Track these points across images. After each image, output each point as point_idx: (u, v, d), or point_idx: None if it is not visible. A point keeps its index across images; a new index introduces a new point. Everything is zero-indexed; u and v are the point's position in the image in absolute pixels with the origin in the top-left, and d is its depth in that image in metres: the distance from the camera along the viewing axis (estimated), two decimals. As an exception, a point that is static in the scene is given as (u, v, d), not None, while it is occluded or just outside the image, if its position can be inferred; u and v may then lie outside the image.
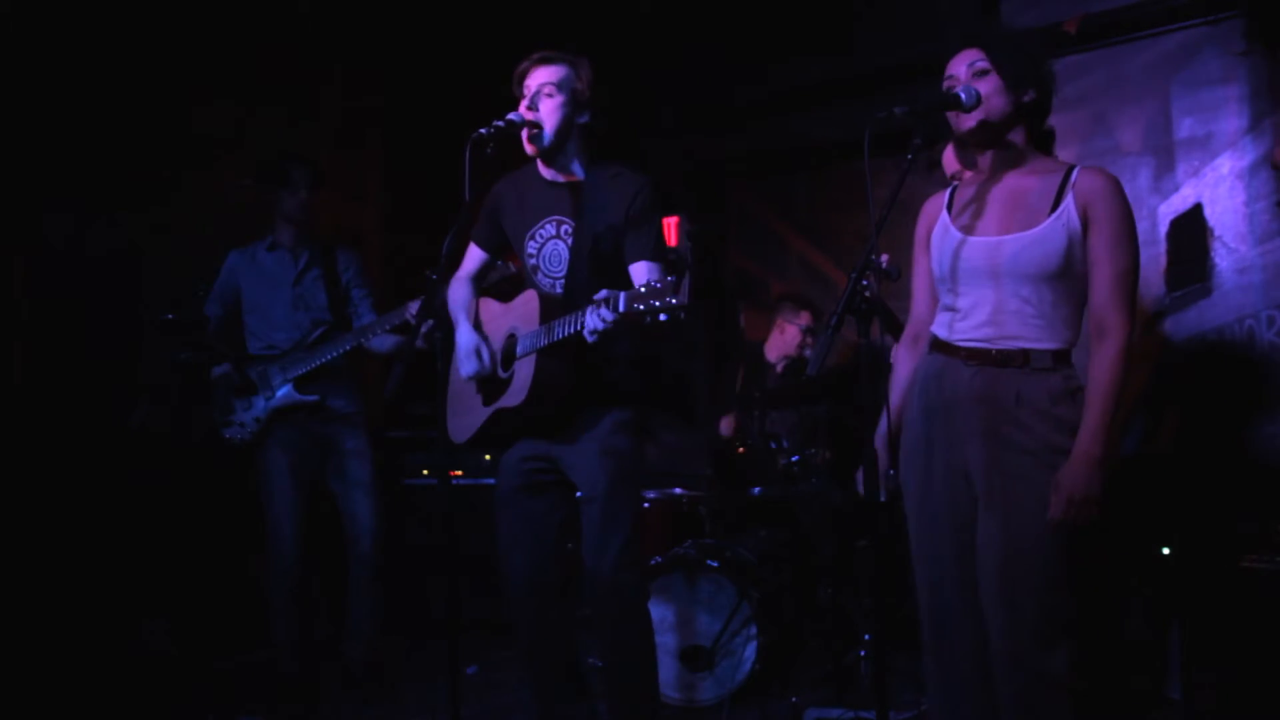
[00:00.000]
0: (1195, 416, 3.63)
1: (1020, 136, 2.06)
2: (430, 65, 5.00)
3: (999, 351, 2.02)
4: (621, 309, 2.07)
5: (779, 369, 4.35)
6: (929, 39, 2.24)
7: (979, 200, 2.09)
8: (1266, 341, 3.53)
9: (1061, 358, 2.00)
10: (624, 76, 2.59)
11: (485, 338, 2.61)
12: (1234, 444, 3.53)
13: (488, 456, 4.43)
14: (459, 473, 4.45)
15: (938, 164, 2.89)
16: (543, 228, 2.55)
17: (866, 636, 3.49)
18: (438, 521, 4.35)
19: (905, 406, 2.20)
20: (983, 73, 2.02)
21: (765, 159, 5.54)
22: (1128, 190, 2.03)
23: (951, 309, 2.10)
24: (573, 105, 2.48)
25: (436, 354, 2.30)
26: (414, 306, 3.14)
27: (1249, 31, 3.62)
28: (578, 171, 2.54)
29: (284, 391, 3.38)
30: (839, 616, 3.59)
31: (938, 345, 2.12)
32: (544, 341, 2.37)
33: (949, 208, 2.16)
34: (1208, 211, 3.72)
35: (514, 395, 2.46)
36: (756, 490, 3.78)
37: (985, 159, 2.12)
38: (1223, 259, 3.66)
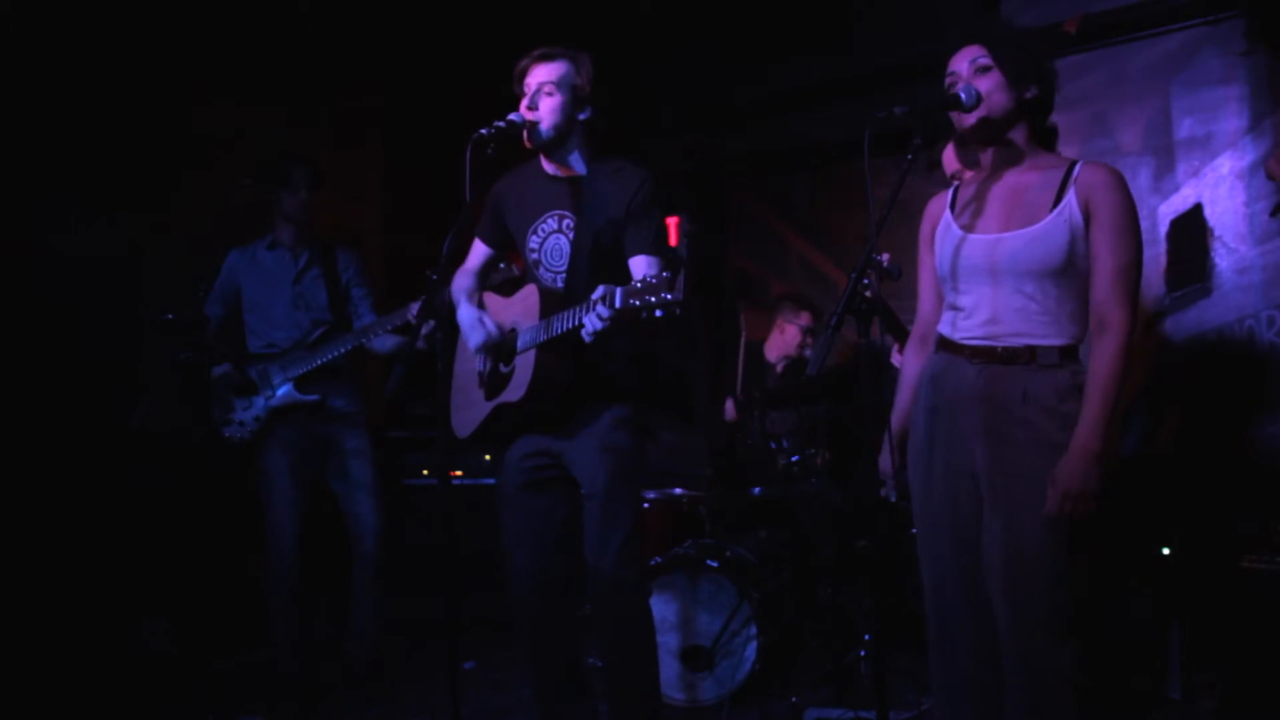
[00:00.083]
0: (1195, 416, 3.63)
1: (1022, 133, 2.06)
2: (430, 65, 5.00)
3: (1004, 349, 2.01)
4: (618, 305, 2.07)
5: (779, 369, 4.35)
6: (929, 39, 2.24)
7: (981, 198, 2.09)
8: (1266, 341, 3.53)
9: (1068, 354, 1.99)
10: (624, 76, 2.59)
11: None
12: (1234, 444, 3.53)
13: (488, 456, 4.43)
14: (459, 473, 4.45)
15: (938, 164, 2.89)
16: (545, 222, 2.56)
17: (866, 636, 3.48)
18: (438, 521, 4.35)
19: (913, 406, 2.20)
20: (984, 69, 2.01)
21: (765, 159, 5.54)
22: (1128, 190, 2.03)
23: (955, 308, 2.10)
24: (573, 103, 2.48)
25: (437, 354, 2.30)
26: (415, 307, 3.14)
27: (1250, 31, 3.62)
28: (580, 166, 2.54)
29: (284, 391, 3.38)
30: (839, 616, 3.59)
31: (943, 344, 2.12)
32: (543, 337, 2.38)
33: (952, 206, 2.16)
34: (1208, 211, 3.72)
35: (514, 390, 2.46)
36: (756, 490, 3.78)
37: (987, 156, 2.11)
38: (1223, 259, 3.66)
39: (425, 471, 4.50)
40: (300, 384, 3.39)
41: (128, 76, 3.88)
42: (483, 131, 2.34)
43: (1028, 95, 2.02)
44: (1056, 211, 1.97)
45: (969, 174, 2.24)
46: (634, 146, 5.17)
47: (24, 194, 3.64)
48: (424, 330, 2.41)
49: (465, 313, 2.59)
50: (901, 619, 3.59)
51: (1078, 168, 2.00)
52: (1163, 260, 3.81)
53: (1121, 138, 3.93)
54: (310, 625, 3.46)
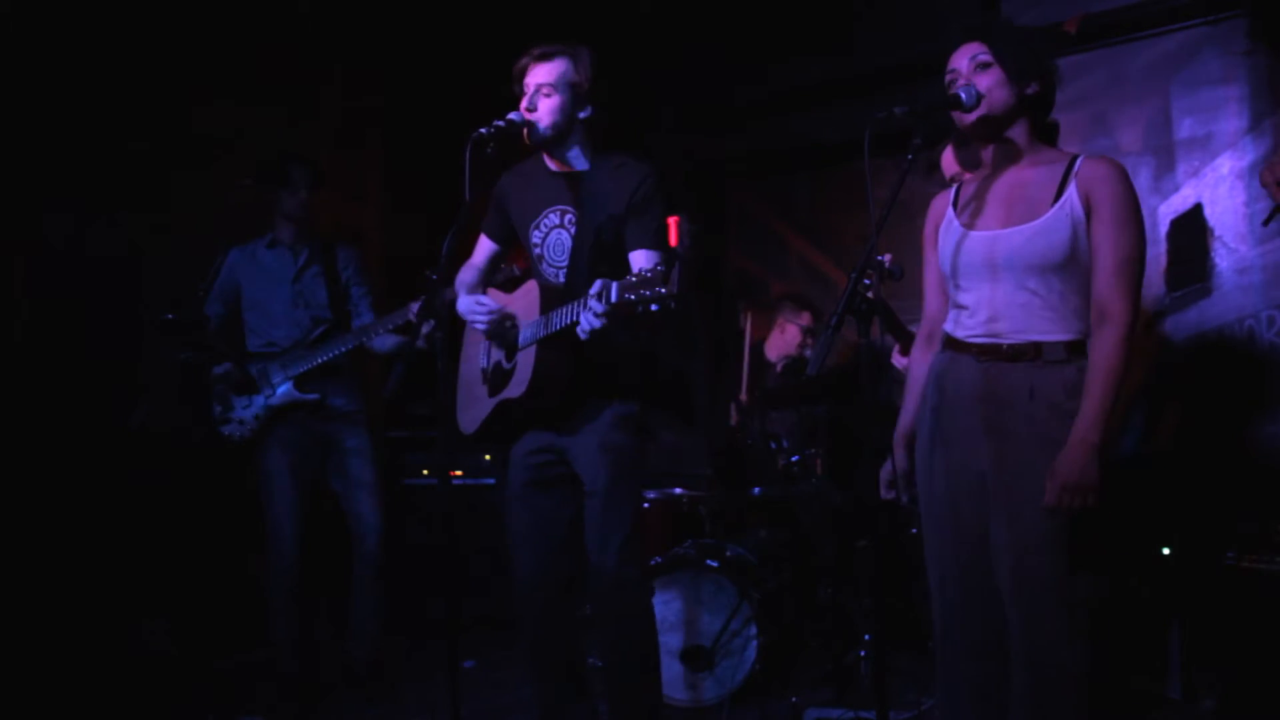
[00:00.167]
0: (1195, 416, 3.63)
1: (1023, 129, 2.05)
2: (430, 65, 5.00)
3: (1010, 346, 2.00)
4: (614, 299, 2.07)
5: (779, 368, 4.35)
6: (929, 39, 2.24)
7: (983, 195, 2.09)
8: (1266, 341, 3.53)
9: (1075, 349, 1.97)
10: (624, 76, 2.59)
11: None
12: (1234, 444, 3.53)
13: (488, 456, 4.43)
14: (459, 473, 4.45)
15: (936, 167, 2.89)
16: (547, 217, 2.56)
17: (866, 636, 3.48)
18: (438, 521, 4.35)
19: (920, 405, 2.19)
20: (985, 66, 2.00)
21: (765, 159, 5.54)
22: (1128, 190, 2.02)
23: (959, 306, 2.10)
24: (572, 101, 2.48)
25: (437, 354, 2.30)
26: (416, 307, 3.14)
27: (1252, 31, 3.62)
28: (582, 162, 2.54)
29: (284, 389, 3.38)
30: (839, 616, 3.59)
31: (949, 343, 2.12)
32: (543, 332, 2.38)
33: (954, 204, 2.16)
34: (1208, 211, 3.72)
35: (516, 386, 2.47)
36: (756, 490, 3.78)
37: (988, 153, 2.11)
38: (1223, 259, 3.66)
39: (425, 471, 4.50)
40: (300, 382, 3.39)
41: (128, 76, 3.88)
42: (482, 131, 2.34)
43: (1029, 92, 2.02)
44: (1058, 205, 1.96)
45: (968, 176, 2.23)
46: (634, 146, 5.18)
47: (24, 194, 3.64)
48: (424, 330, 2.41)
49: (465, 301, 2.58)
50: (901, 619, 3.59)
51: (1079, 162, 1.99)
52: (1163, 260, 3.81)
53: (1121, 138, 3.93)
54: (310, 625, 3.45)
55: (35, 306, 3.70)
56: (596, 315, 2.11)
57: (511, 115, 2.43)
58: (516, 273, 2.85)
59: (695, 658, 3.24)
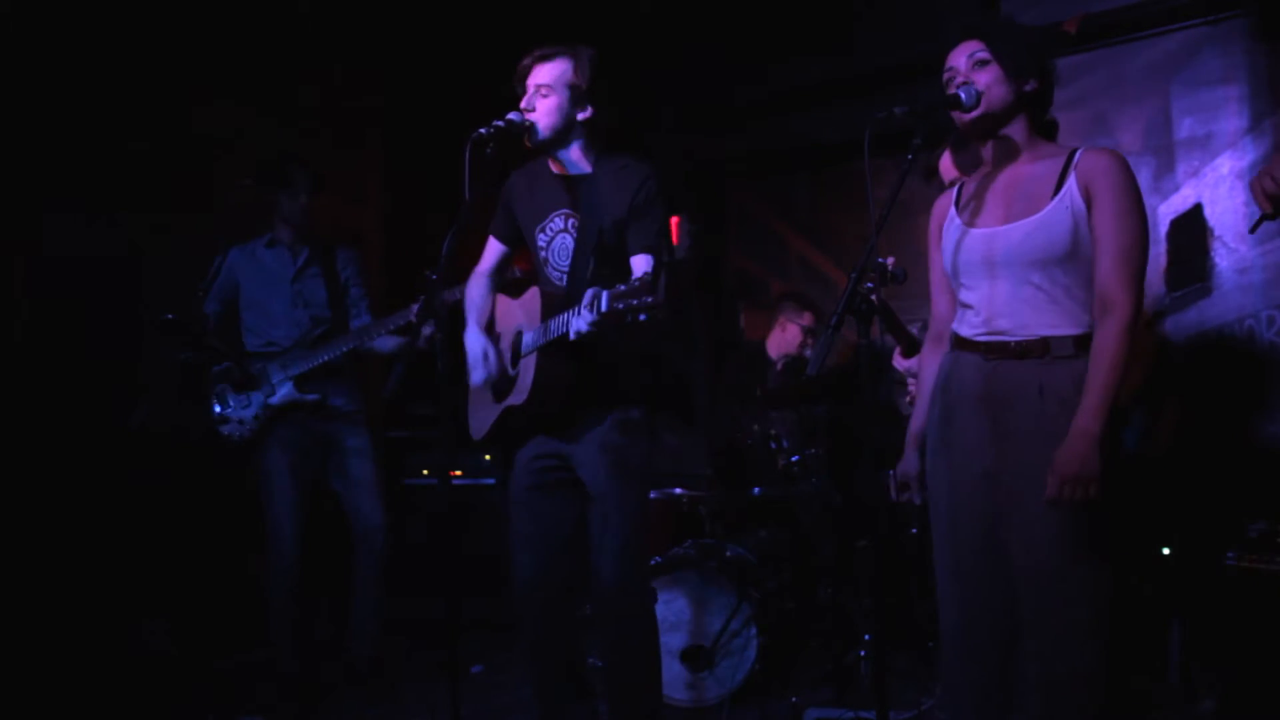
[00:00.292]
0: (1196, 416, 3.63)
1: (1022, 126, 2.04)
2: (430, 65, 5.00)
3: (1017, 343, 1.99)
4: (604, 308, 2.07)
5: (779, 367, 4.35)
6: (929, 39, 2.24)
7: (984, 192, 2.09)
8: (1266, 341, 3.53)
9: (1083, 343, 1.95)
10: (624, 76, 2.58)
11: (497, 336, 2.62)
12: (1234, 444, 3.53)
13: (488, 456, 4.43)
14: (459, 473, 4.45)
15: (935, 172, 2.88)
16: (551, 221, 2.56)
17: (866, 636, 3.48)
18: (438, 521, 4.35)
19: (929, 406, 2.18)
20: (983, 63, 2.00)
21: (765, 159, 5.54)
22: (1129, 190, 2.01)
23: (965, 305, 2.09)
24: (571, 102, 2.47)
25: (437, 355, 2.30)
26: (417, 308, 3.15)
27: (1253, 30, 3.61)
28: (584, 165, 2.54)
29: (285, 390, 3.38)
30: (839, 616, 3.59)
31: (957, 342, 2.11)
32: (542, 340, 2.38)
33: (957, 202, 2.16)
34: (1208, 211, 3.72)
35: (518, 394, 2.47)
36: (756, 490, 3.78)
37: (988, 150, 2.11)
38: (1223, 259, 3.66)
39: (425, 471, 4.50)
40: (300, 383, 3.39)
41: (128, 76, 3.88)
42: (482, 131, 2.34)
43: (1027, 88, 2.01)
44: (1058, 198, 1.95)
45: (968, 178, 2.23)
46: (634, 146, 5.18)
47: (24, 194, 3.64)
48: (425, 331, 2.41)
49: (472, 342, 2.58)
50: (901, 619, 3.59)
51: (1078, 154, 1.98)
52: (1163, 260, 3.81)
53: (1121, 138, 3.93)
54: (310, 625, 3.46)
55: (35, 306, 3.70)
56: (587, 324, 2.12)
57: (511, 115, 2.42)
58: (518, 274, 2.85)
59: (695, 658, 3.24)
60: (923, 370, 2.26)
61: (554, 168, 2.56)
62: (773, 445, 3.83)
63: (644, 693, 2.52)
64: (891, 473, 2.32)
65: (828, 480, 3.77)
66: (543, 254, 2.58)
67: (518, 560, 2.55)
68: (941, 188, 2.81)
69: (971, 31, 2.04)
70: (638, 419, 2.50)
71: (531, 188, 2.61)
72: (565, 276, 2.53)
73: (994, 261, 2.01)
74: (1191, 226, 3.75)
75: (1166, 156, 3.84)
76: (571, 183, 2.54)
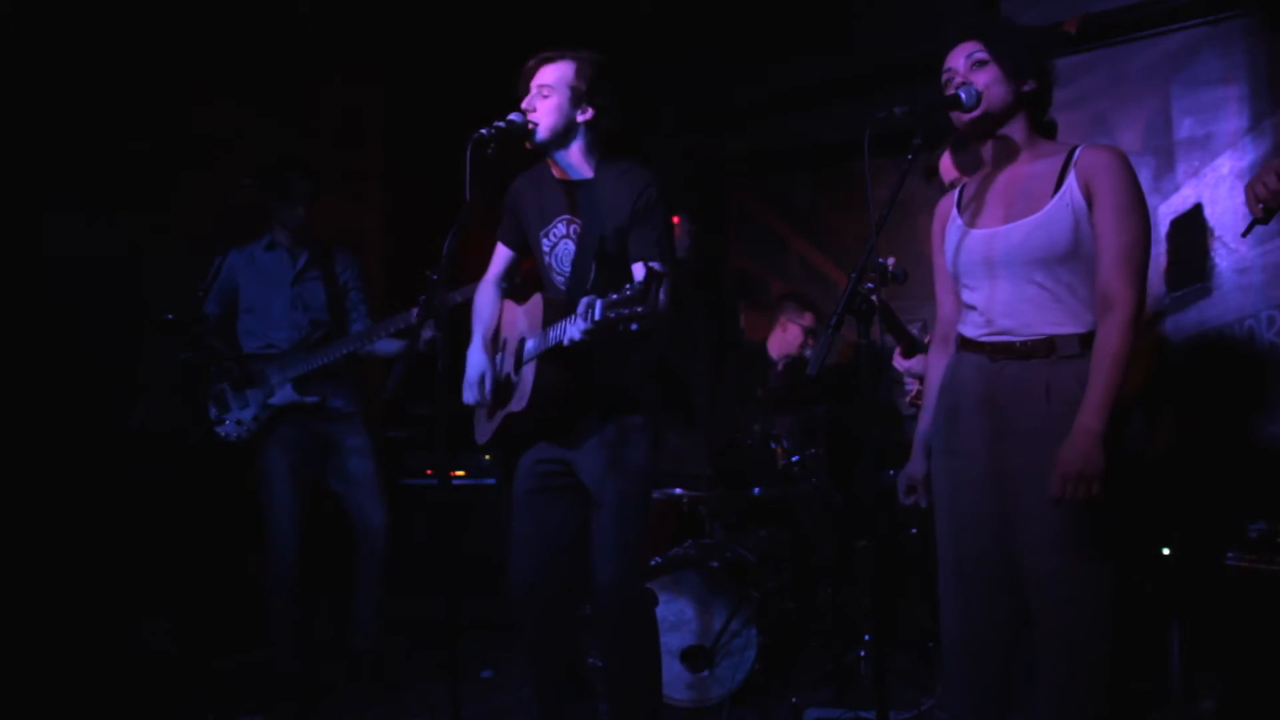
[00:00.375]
0: (1196, 416, 3.63)
1: (1021, 126, 2.04)
2: (430, 65, 5.00)
3: (1023, 343, 1.98)
4: (597, 317, 2.07)
5: (780, 367, 4.35)
6: (929, 39, 2.24)
7: (985, 193, 2.08)
8: (1266, 341, 3.53)
9: (1088, 342, 1.94)
10: (624, 76, 2.58)
11: (503, 342, 2.62)
12: (1234, 444, 3.53)
13: (488, 456, 4.43)
14: (459, 473, 4.45)
15: (935, 173, 2.88)
16: (555, 227, 2.55)
17: (866, 636, 3.48)
18: (438, 521, 4.35)
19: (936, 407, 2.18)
20: (981, 63, 2.00)
21: (765, 159, 5.54)
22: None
23: (969, 306, 2.09)
24: (571, 103, 2.47)
25: (437, 357, 2.30)
26: (417, 312, 3.15)
27: (1254, 30, 3.61)
28: (586, 169, 2.53)
29: (284, 391, 3.38)
30: (839, 616, 3.59)
31: (963, 344, 2.10)
32: (541, 347, 2.38)
33: (959, 204, 2.16)
34: (1208, 211, 3.72)
35: (518, 400, 2.47)
36: (756, 490, 3.78)
37: (987, 150, 2.10)
38: (1223, 259, 3.66)
39: (429, 471, 4.50)
40: (299, 385, 3.39)
41: (128, 76, 3.88)
42: (483, 131, 2.33)
43: (1026, 89, 2.01)
44: (1058, 197, 1.95)
45: (968, 179, 2.23)
46: (634, 147, 5.19)
47: (24, 194, 3.64)
48: (425, 335, 2.41)
49: (472, 360, 2.59)
50: (901, 619, 3.59)
51: (1078, 151, 1.97)
52: (1163, 260, 3.81)
53: (1121, 138, 3.93)
54: (310, 625, 3.46)
55: (35, 306, 3.70)
56: (580, 331, 2.13)
57: (512, 116, 2.42)
58: (517, 281, 2.85)
59: (695, 658, 3.24)
60: (929, 372, 2.26)
61: (555, 172, 2.56)
62: (773, 445, 3.83)
63: (644, 693, 2.51)
64: (893, 472, 2.32)
65: (828, 480, 3.77)
66: (547, 259, 2.58)
67: (516, 562, 2.55)
68: (941, 188, 2.81)
69: (970, 33, 2.04)
70: (640, 424, 2.49)
71: (536, 193, 2.60)
72: (568, 282, 2.53)
73: (994, 261, 2.01)
74: (1191, 226, 3.75)
75: (1166, 156, 3.84)
76: (573, 188, 2.53)
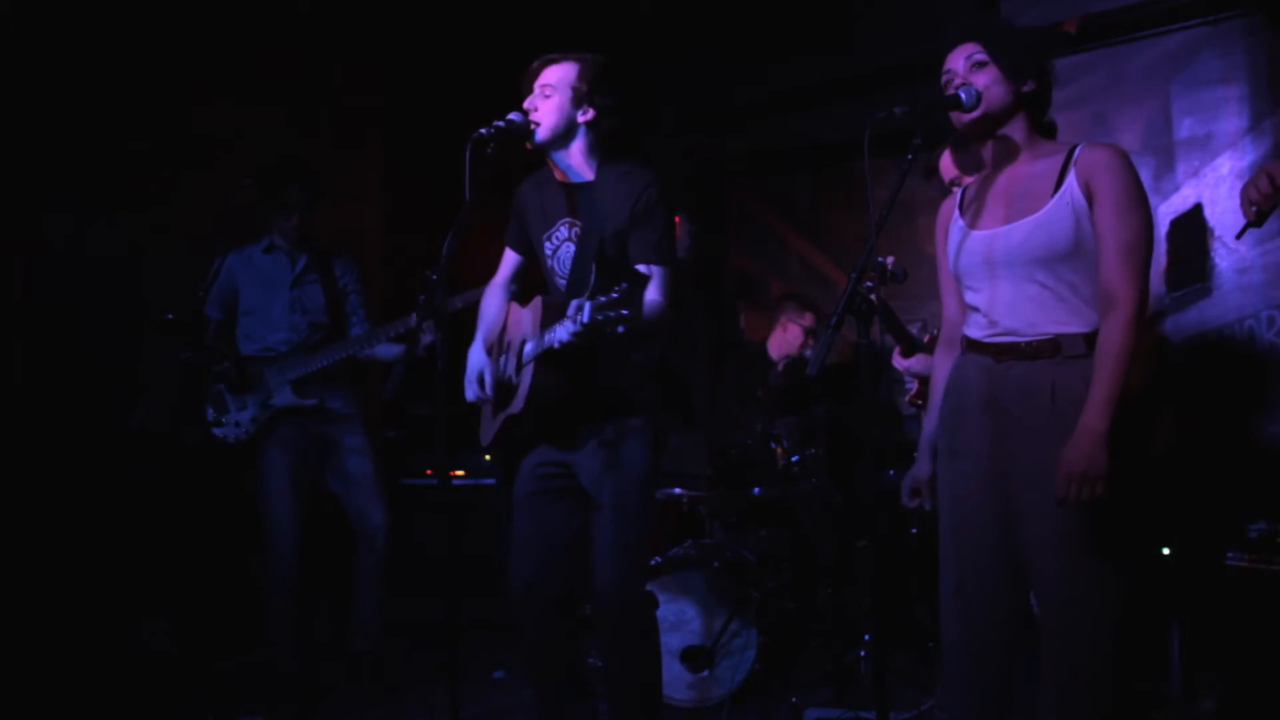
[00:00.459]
0: (1196, 416, 3.63)
1: (1021, 126, 2.04)
2: (430, 65, 5.00)
3: (1028, 344, 1.97)
4: (586, 319, 2.07)
5: (780, 367, 4.35)
6: (929, 39, 2.24)
7: (985, 193, 2.08)
8: (1266, 341, 3.53)
9: (1093, 341, 1.93)
10: (624, 76, 2.58)
11: (507, 344, 2.62)
12: (1235, 444, 3.53)
13: (488, 456, 4.43)
14: (459, 473, 4.45)
15: (935, 172, 2.88)
16: (557, 230, 2.55)
17: (866, 636, 3.48)
18: (438, 521, 4.35)
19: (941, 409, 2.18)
20: (981, 64, 2.00)
21: (765, 159, 5.54)
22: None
23: (973, 308, 2.08)
24: (572, 104, 2.46)
25: (436, 358, 2.30)
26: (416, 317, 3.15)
27: (1254, 30, 3.61)
28: (587, 171, 2.53)
29: (283, 393, 3.38)
30: (839, 616, 3.59)
31: (968, 345, 2.10)
32: (540, 349, 2.38)
33: (961, 205, 2.15)
34: (1208, 211, 3.72)
35: (516, 403, 2.47)
36: (756, 490, 3.78)
37: (987, 151, 2.10)
38: (1223, 259, 3.66)
39: (429, 471, 4.50)
40: (298, 387, 3.39)
41: (128, 76, 3.88)
42: (482, 131, 2.33)
43: (1025, 89, 2.01)
44: (1058, 196, 1.94)
45: (968, 178, 2.23)
46: (634, 147, 5.19)
47: (24, 194, 3.64)
48: (424, 339, 2.40)
49: (472, 359, 2.59)
50: (901, 619, 3.59)
51: (1078, 150, 1.97)
52: (1163, 260, 3.81)
53: (1121, 138, 3.92)
54: (310, 625, 3.46)
55: (35, 306, 3.70)
56: (569, 334, 2.13)
57: (512, 115, 2.42)
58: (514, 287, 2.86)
59: (695, 658, 3.24)
60: (935, 374, 2.25)
61: (557, 175, 2.56)
62: (773, 445, 3.83)
63: (644, 693, 2.51)
64: (893, 472, 2.31)
65: (828, 480, 3.77)
66: (549, 262, 2.58)
67: (516, 563, 2.54)
68: (941, 187, 2.81)
69: (969, 34, 2.04)
70: (639, 425, 2.49)
71: (539, 197, 2.60)
72: (568, 285, 2.53)
73: (995, 262, 2.00)
74: (1191, 226, 3.75)
75: (1166, 156, 3.84)
76: (574, 190, 2.53)
